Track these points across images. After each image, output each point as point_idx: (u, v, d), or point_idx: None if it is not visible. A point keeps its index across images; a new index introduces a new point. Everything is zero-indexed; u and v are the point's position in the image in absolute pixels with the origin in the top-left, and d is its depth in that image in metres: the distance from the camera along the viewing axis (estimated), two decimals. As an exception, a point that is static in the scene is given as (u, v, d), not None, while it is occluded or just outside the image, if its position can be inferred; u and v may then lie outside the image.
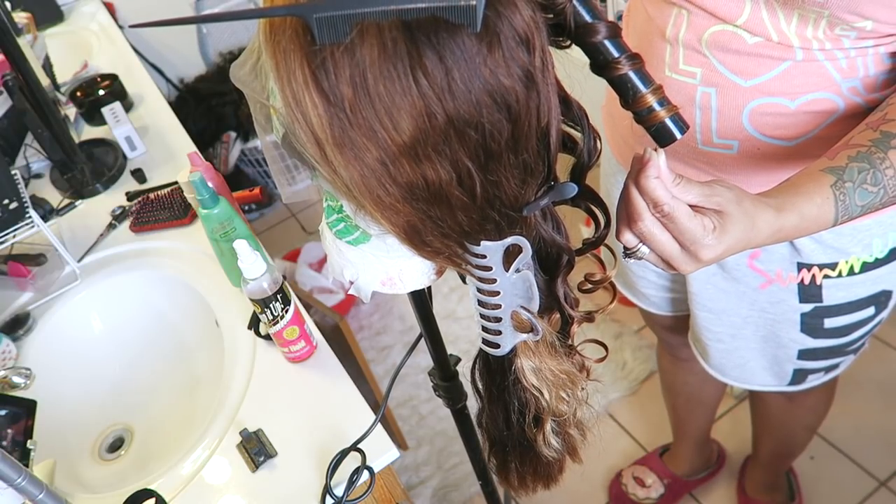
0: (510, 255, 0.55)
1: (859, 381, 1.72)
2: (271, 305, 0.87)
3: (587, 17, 0.52)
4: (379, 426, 0.86)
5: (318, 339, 0.97)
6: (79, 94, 1.64)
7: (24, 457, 0.85)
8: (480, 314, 0.61)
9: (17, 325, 1.11)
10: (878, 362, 1.77)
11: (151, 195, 1.30)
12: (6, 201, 1.13)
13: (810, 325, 0.95)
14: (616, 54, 0.53)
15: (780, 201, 0.61)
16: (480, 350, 0.66)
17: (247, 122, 2.44)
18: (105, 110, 1.47)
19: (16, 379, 0.90)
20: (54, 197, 1.39)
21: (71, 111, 1.60)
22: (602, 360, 0.69)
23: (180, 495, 0.85)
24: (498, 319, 0.60)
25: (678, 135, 0.56)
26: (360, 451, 0.80)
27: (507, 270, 0.56)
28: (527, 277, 0.57)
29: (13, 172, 1.18)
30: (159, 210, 1.26)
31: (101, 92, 1.62)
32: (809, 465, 1.61)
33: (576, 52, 0.54)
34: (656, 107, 0.55)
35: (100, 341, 1.18)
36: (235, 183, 2.45)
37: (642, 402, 1.83)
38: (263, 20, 0.46)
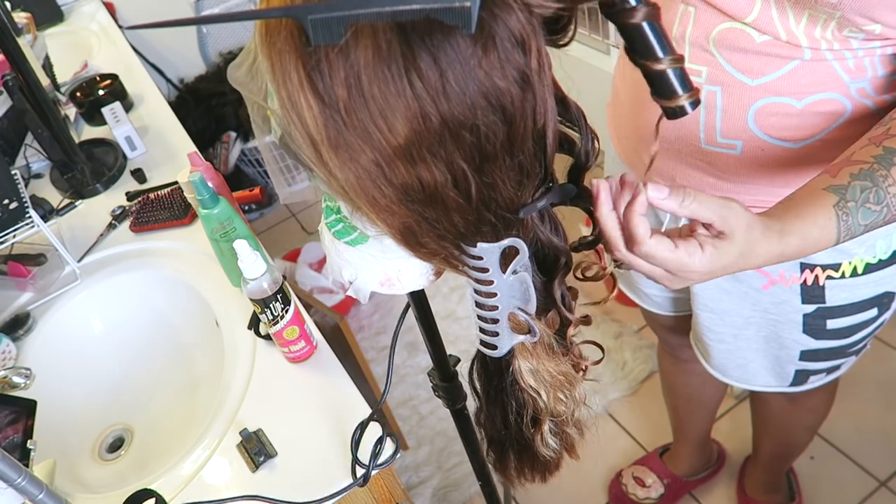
0: (507, 256, 0.55)
1: (859, 381, 1.71)
2: (271, 305, 0.87)
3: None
4: (379, 427, 0.86)
5: (318, 339, 0.98)
6: (79, 94, 1.65)
7: (24, 457, 0.85)
8: (478, 315, 0.61)
9: (17, 325, 1.11)
10: (878, 362, 1.76)
11: (151, 195, 1.31)
12: (6, 201, 1.13)
13: (812, 326, 0.95)
14: (660, 53, 0.50)
15: (783, 225, 0.61)
16: (478, 351, 0.66)
17: (247, 122, 2.44)
18: (105, 110, 1.47)
19: (16, 379, 0.90)
20: (54, 197, 1.39)
21: (71, 111, 1.60)
22: (599, 361, 0.69)
23: (180, 495, 0.85)
24: (495, 321, 0.60)
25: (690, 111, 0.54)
26: (378, 420, 0.81)
27: (504, 272, 0.56)
28: (524, 279, 0.57)
29: (13, 172, 1.19)
30: (159, 210, 1.26)
31: (101, 92, 1.62)
32: (809, 465, 1.61)
33: (576, 52, 0.53)
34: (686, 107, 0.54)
35: (100, 341, 1.18)
36: (235, 183, 2.45)
37: (642, 402, 1.83)
38: (259, 21, 0.46)
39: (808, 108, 0.76)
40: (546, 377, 0.64)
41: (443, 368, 0.95)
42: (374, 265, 0.66)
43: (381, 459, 0.80)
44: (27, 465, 0.82)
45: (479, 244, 0.53)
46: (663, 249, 0.55)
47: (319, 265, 2.20)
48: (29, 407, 0.90)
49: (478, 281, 0.57)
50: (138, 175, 1.38)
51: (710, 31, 0.75)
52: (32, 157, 1.48)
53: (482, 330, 0.62)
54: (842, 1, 0.64)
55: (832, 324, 0.94)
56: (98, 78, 1.67)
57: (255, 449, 0.86)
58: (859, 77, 0.73)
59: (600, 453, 1.73)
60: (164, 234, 1.23)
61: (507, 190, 0.50)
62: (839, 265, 0.87)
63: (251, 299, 0.87)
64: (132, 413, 1.12)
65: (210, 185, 0.95)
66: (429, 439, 1.83)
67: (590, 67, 1.66)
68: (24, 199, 1.13)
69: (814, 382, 1.06)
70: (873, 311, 0.93)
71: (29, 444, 0.86)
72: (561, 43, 0.50)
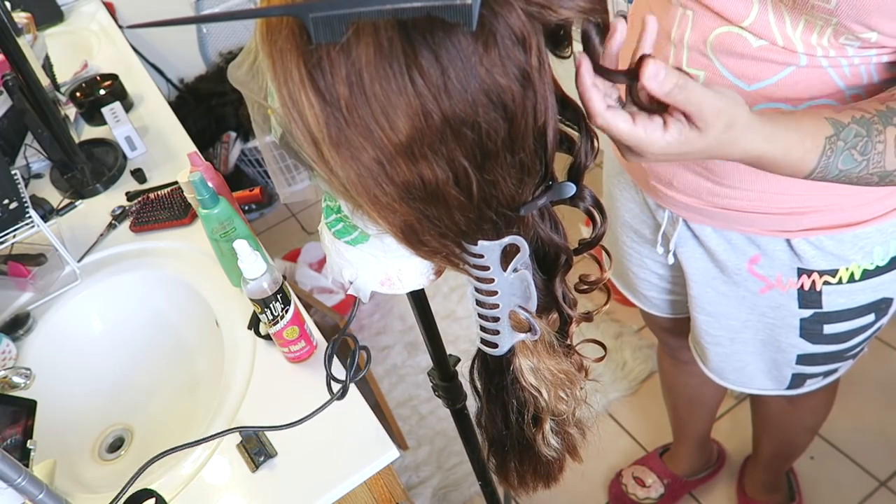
0: (508, 254, 0.55)
1: (859, 381, 1.71)
2: (271, 305, 0.87)
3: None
4: (379, 427, 0.86)
5: (318, 339, 0.97)
6: (79, 94, 1.64)
7: (24, 457, 0.85)
8: (478, 314, 0.61)
9: (17, 325, 1.11)
10: (878, 362, 1.76)
11: (151, 195, 1.31)
12: (6, 201, 1.13)
13: (809, 330, 0.95)
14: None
15: (774, 130, 0.60)
16: (479, 350, 0.66)
17: (247, 122, 2.44)
18: (105, 110, 1.47)
19: (16, 379, 0.90)
20: (54, 197, 1.39)
21: (71, 111, 1.60)
22: (601, 359, 0.69)
23: (180, 495, 0.85)
24: (496, 319, 0.60)
25: None
26: (351, 335, 0.81)
27: (504, 270, 0.56)
28: (525, 277, 0.57)
29: (13, 172, 1.19)
30: (159, 210, 1.26)
31: (101, 92, 1.62)
32: (809, 465, 1.61)
33: (575, 52, 0.53)
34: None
35: (100, 341, 1.18)
36: (235, 183, 2.45)
37: (642, 402, 1.83)
38: (260, 20, 0.46)
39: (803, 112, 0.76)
40: (547, 375, 0.64)
41: (443, 368, 0.95)
42: (375, 264, 0.66)
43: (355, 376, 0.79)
44: (27, 465, 0.82)
45: (480, 242, 0.53)
46: (620, 123, 0.52)
47: (319, 265, 2.20)
48: (29, 407, 0.90)
49: (478, 279, 0.57)
50: (138, 175, 1.38)
51: (708, 35, 0.75)
52: (32, 157, 1.48)
53: (483, 328, 0.62)
54: (838, 7, 0.64)
55: (829, 329, 0.94)
56: (98, 78, 1.67)
57: (255, 449, 0.86)
58: (855, 84, 0.73)
59: (600, 453, 1.73)
60: (164, 234, 1.23)
61: (508, 187, 0.50)
62: (836, 271, 0.87)
63: (251, 299, 0.87)
64: (132, 413, 1.12)
65: (210, 185, 0.95)
66: (429, 439, 1.83)
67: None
68: (24, 199, 1.13)
69: (811, 386, 1.06)
70: (871, 317, 0.93)
71: (29, 444, 0.86)
72: (564, 55, 0.50)
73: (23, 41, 1.37)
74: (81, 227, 1.30)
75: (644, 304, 1.21)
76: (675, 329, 1.26)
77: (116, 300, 1.19)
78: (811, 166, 0.63)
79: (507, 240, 0.54)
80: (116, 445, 1.08)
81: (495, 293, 0.58)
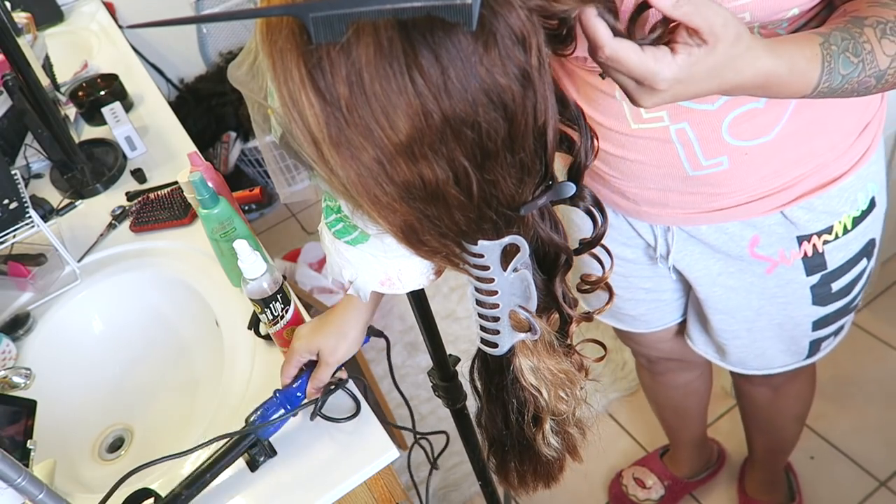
0: (508, 254, 0.55)
1: (859, 381, 1.71)
2: (271, 305, 0.87)
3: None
4: (379, 427, 0.86)
5: (317, 339, 0.97)
6: (79, 94, 1.65)
7: (24, 457, 0.85)
8: (478, 314, 0.61)
9: (17, 325, 1.11)
10: (878, 362, 1.76)
11: (151, 195, 1.31)
12: (6, 201, 1.13)
13: (820, 294, 0.96)
14: None
15: (774, 46, 0.59)
16: (479, 350, 0.66)
17: (247, 122, 2.44)
18: (105, 110, 1.47)
19: (16, 379, 0.90)
20: (54, 197, 1.39)
21: (71, 111, 1.60)
22: (601, 359, 0.69)
23: (180, 495, 0.85)
24: (496, 319, 0.60)
25: None
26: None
27: (504, 270, 0.56)
28: (525, 277, 0.57)
29: (13, 172, 1.19)
30: (159, 210, 1.26)
31: (101, 92, 1.62)
32: (809, 465, 1.61)
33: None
34: None
35: (100, 341, 1.18)
36: (235, 183, 2.45)
37: (642, 402, 1.82)
38: (260, 20, 0.46)
39: (769, 102, 0.77)
40: (547, 375, 0.64)
41: (443, 368, 0.96)
42: (375, 264, 0.66)
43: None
44: (27, 465, 0.82)
45: (480, 242, 0.53)
46: (629, 51, 0.50)
47: (319, 265, 2.20)
48: (29, 407, 0.90)
49: (479, 279, 0.57)
50: (138, 175, 1.38)
51: None
52: (32, 157, 1.48)
53: (483, 328, 0.62)
54: (753, 15, 0.65)
55: (836, 285, 0.96)
56: (98, 78, 1.67)
57: (255, 449, 0.86)
58: None
59: (600, 453, 1.73)
60: (164, 234, 1.23)
61: (508, 187, 0.50)
62: (832, 227, 0.89)
63: (251, 299, 0.87)
64: (132, 413, 1.12)
65: (210, 185, 0.95)
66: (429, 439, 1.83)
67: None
68: (24, 199, 1.13)
69: (825, 349, 1.07)
70: (864, 262, 0.96)
71: (29, 444, 0.86)
72: (566, 53, 0.50)
73: (23, 41, 1.37)
74: (81, 227, 1.30)
75: (629, 325, 1.19)
76: (654, 342, 1.25)
77: (116, 300, 1.19)
78: (817, 75, 0.62)
79: (507, 239, 0.54)
80: (116, 445, 1.08)
81: (495, 293, 0.58)
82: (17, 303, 1.18)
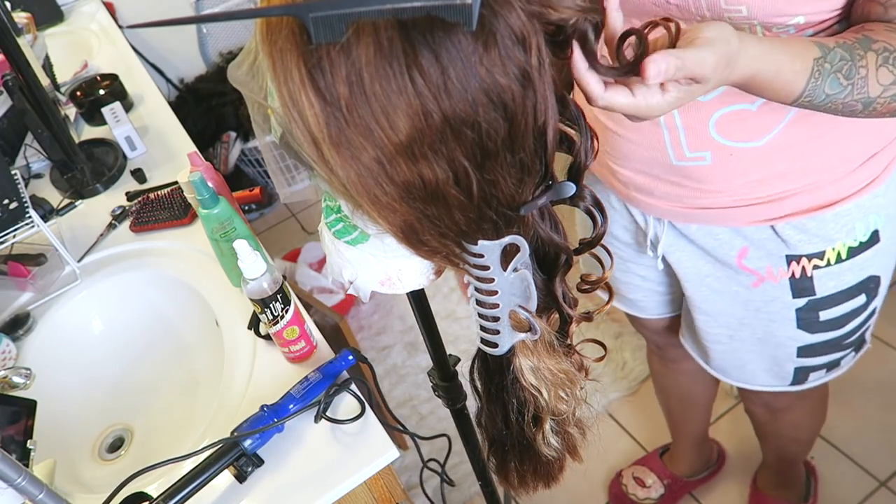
0: (508, 254, 0.55)
1: (859, 381, 1.71)
2: (271, 305, 0.87)
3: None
4: (379, 427, 0.86)
5: (318, 339, 0.97)
6: (79, 94, 1.64)
7: (24, 457, 0.85)
8: (479, 314, 0.61)
9: (17, 325, 1.11)
10: (878, 362, 1.76)
11: (151, 195, 1.30)
12: (6, 201, 1.13)
13: (806, 319, 0.95)
14: None
15: (762, 51, 0.61)
16: (479, 350, 0.66)
17: (247, 122, 2.44)
18: (105, 110, 1.47)
19: (16, 379, 0.90)
20: (54, 197, 1.39)
21: (71, 111, 1.60)
22: (601, 359, 0.69)
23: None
24: (496, 319, 0.60)
25: None
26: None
27: (504, 270, 0.56)
28: (525, 277, 0.57)
29: (13, 172, 1.19)
30: (159, 210, 1.26)
31: (101, 92, 1.62)
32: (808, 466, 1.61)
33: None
34: None
35: (100, 341, 1.18)
36: (235, 183, 2.45)
37: (642, 402, 1.82)
38: (260, 20, 0.46)
39: (762, 108, 0.77)
40: (547, 375, 0.64)
41: (443, 368, 0.95)
42: (375, 264, 0.66)
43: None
44: (27, 465, 0.82)
45: (480, 241, 0.53)
46: (620, 98, 0.54)
47: (319, 265, 2.20)
48: (29, 407, 0.90)
49: (479, 279, 0.57)
50: (138, 175, 1.38)
51: None
52: (32, 157, 1.48)
53: (483, 328, 0.62)
54: (751, 13, 0.66)
55: (825, 315, 0.94)
56: (98, 78, 1.67)
57: (242, 461, 0.86)
58: None
59: (600, 453, 1.73)
60: (164, 234, 1.23)
61: (508, 187, 0.50)
62: (823, 253, 0.88)
63: (251, 299, 0.87)
64: (132, 413, 1.12)
65: (210, 185, 0.95)
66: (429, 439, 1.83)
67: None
68: (24, 199, 1.13)
69: (814, 381, 1.06)
70: (862, 298, 0.94)
71: (29, 444, 0.86)
72: (563, 57, 0.50)
73: (23, 41, 1.37)
74: (81, 227, 1.30)
75: (632, 309, 1.21)
76: (662, 329, 1.26)
77: (116, 300, 1.19)
78: (800, 88, 0.64)
79: (507, 239, 0.54)
80: (116, 445, 1.08)
81: (495, 293, 0.58)
82: (17, 303, 1.18)
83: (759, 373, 1.07)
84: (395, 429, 0.92)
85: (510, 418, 0.69)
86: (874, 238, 0.89)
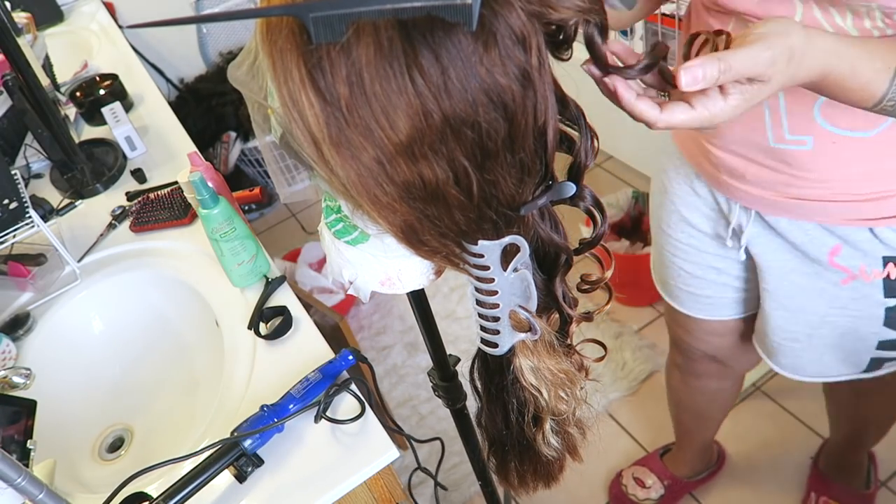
0: (508, 254, 0.55)
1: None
2: None
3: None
4: (379, 426, 0.86)
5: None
6: (79, 94, 1.64)
7: (24, 457, 0.85)
8: (479, 314, 0.61)
9: (17, 325, 1.11)
10: (879, 362, 1.76)
11: (151, 195, 1.31)
12: (6, 201, 1.13)
13: (894, 318, 0.92)
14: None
15: (836, 44, 0.57)
16: (479, 350, 0.66)
17: (247, 122, 2.44)
18: (105, 110, 1.47)
19: (16, 379, 0.90)
20: (54, 197, 1.39)
21: (71, 111, 1.60)
22: (601, 359, 0.69)
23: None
24: (496, 319, 0.60)
25: None
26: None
27: (504, 270, 0.56)
28: (525, 277, 0.57)
29: (13, 172, 1.18)
30: (159, 210, 1.26)
31: (101, 92, 1.62)
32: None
33: (575, 52, 0.53)
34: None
35: (100, 341, 1.18)
36: (235, 183, 2.45)
37: (642, 402, 1.83)
38: (260, 20, 0.46)
39: None
40: (547, 375, 0.64)
41: (443, 368, 0.95)
42: (375, 264, 0.66)
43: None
44: (27, 465, 0.82)
45: (480, 242, 0.53)
46: (680, 115, 0.54)
47: (319, 265, 2.20)
48: (29, 407, 0.90)
49: (479, 279, 0.57)
50: (138, 175, 1.38)
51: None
52: (32, 157, 1.48)
53: (483, 328, 0.62)
54: None
55: None
56: (98, 78, 1.67)
57: (242, 461, 0.85)
58: None
59: (600, 453, 1.72)
60: (164, 234, 1.23)
61: (508, 187, 0.50)
62: None
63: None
64: (132, 413, 1.12)
65: (210, 185, 0.95)
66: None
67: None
68: (24, 199, 1.13)
69: (888, 367, 1.02)
70: None
71: (29, 444, 0.86)
72: (564, 58, 0.50)
73: (23, 41, 1.37)
74: (81, 227, 1.30)
75: (694, 308, 1.14)
76: (719, 334, 1.19)
77: (116, 300, 1.19)
78: (881, 90, 0.60)
79: (507, 239, 0.54)
80: (116, 445, 1.08)
81: (495, 293, 0.58)
82: (17, 303, 1.18)
83: (834, 364, 1.03)
84: (392, 430, 0.91)
85: (510, 418, 0.69)
86: None
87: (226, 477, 0.83)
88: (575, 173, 0.55)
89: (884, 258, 0.86)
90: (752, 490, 1.61)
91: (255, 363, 0.97)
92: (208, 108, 2.47)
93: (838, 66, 0.58)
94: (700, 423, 1.49)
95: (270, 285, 1.04)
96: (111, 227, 1.28)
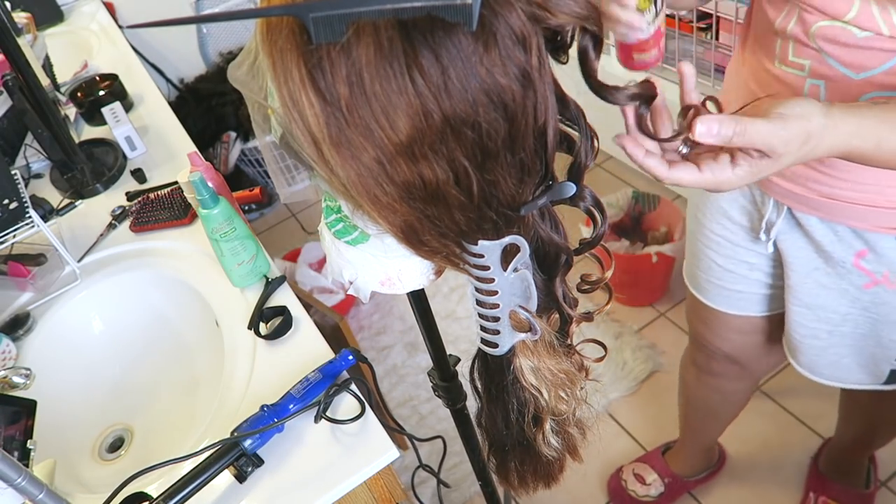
0: (508, 254, 0.55)
1: None
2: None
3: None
4: (379, 427, 0.86)
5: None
6: (79, 94, 1.65)
7: (24, 457, 0.85)
8: (479, 314, 0.61)
9: (17, 325, 1.11)
10: None
11: (151, 195, 1.31)
12: (6, 201, 1.13)
13: None
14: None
15: (859, 125, 0.58)
16: (479, 350, 0.66)
17: (247, 122, 2.44)
18: (105, 110, 1.47)
19: (16, 379, 0.90)
20: (54, 197, 1.39)
21: (71, 111, 1.60)
22: (601, 359, 0.69)
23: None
24: (496, 319, 0.60)
25: None
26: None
27: (505, 270, 0.56)
28: (525, 277, 0.57)
29: (13, 172, 1.19)
30: (159, 210, 1.26)
31: (101, 92, 1.62)
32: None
33: (575, 52, 0.53)
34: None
35: (100, 341, 1.18)
36: (235, 183, 2.45)
37: (642, 401, 1.83)
38: (260, 20, 0.46)
39: None
40: (547, 375, 0.64)
41: (443, 368, 0.95)
42: (375, 265, 0.66)
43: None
44: (27, 465, 0.82)
45: (480, 242, 0.53)
46: (687, 176, 0.56)
47: (319, 265, 2.20)
48: (29, 407, 0.90)
49: (479, 279, 0.57)
50: (138, 175, 1.38)
51: (810, 27, 0.74)
52: (32, 157, 1.48)
53: (483, 328, 0.62)
54: None
55: None
56: (98, 78, 1.67)
57: (242, 461, 0.85)
58: None
59: (600, 453, 1.73)
60: (164, 234, 1.23)
61: (509, 187, 0.50)
62: None
63: None
64: (132, 413, 1.12)
65: (210, 185, 0.95)
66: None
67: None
68: (24, 199, 1.13)
69: None
70: None
71: (29, 444, 0.86)
72: (562, 61, 0.50)
73: (23, 41, 1.37)
74: (81, 227, 1.30)
75: (725, 303, 1.13)
76: (747, 331, 1.18)
77: (116, 300, 1.19)
78: None
79: (507, 239, 0.54)
80: (116, 445, 1.08)
81: (495, 293, 0.58)
82: (17, 303, 1.18)
83: (853, 369, 1.03)
84: (393, 430, 0.91)
85: (510, 418, 0.69)
86: None
87: (226, 477, 0.83)
88: (575, 173, 0.55)
89: None
90: (752, 490, 1.61)
91: (255, 363, 0.97)
92: (208, 108, 2.47)
93: (861, 146, 0.59)
94: (708, 423, 1.48)
95: (270, 285, 1.04)
96: (111, 227, 1.28)
